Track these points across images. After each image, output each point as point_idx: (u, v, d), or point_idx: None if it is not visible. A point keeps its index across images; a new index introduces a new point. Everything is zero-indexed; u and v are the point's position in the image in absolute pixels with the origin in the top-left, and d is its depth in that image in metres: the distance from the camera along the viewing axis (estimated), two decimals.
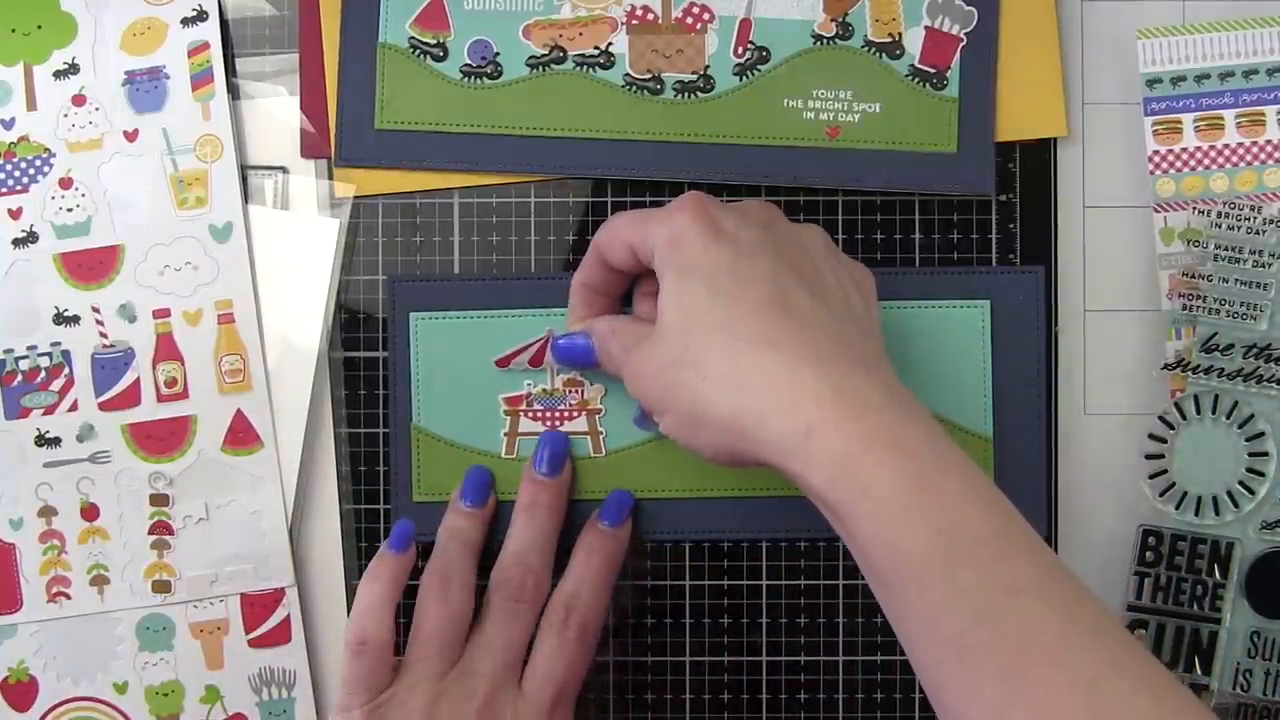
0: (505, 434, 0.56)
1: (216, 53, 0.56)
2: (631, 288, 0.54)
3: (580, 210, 0.57)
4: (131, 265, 0.56)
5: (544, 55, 0.57)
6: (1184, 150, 0.56)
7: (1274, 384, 0.55)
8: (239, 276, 0.56)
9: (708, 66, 0.57)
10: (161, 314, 0.56)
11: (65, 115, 0.56)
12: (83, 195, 0.56)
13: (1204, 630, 0.55)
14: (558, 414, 0.56)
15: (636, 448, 0.56)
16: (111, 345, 0.56)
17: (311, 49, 0.57)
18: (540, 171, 0.57)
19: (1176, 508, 0.55)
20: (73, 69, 0.56)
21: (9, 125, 0.56)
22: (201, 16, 0.56)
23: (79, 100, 0.56)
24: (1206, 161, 0.56)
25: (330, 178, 0.57)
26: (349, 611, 0.57)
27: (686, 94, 0.57)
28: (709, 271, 0.46)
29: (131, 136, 0.56)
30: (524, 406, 0.56)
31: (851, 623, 0.57)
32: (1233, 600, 0.55)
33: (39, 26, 0.55)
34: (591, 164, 0.57)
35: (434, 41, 0.57)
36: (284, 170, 0.57)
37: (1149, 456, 0.56)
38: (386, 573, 0.53)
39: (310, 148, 0.57)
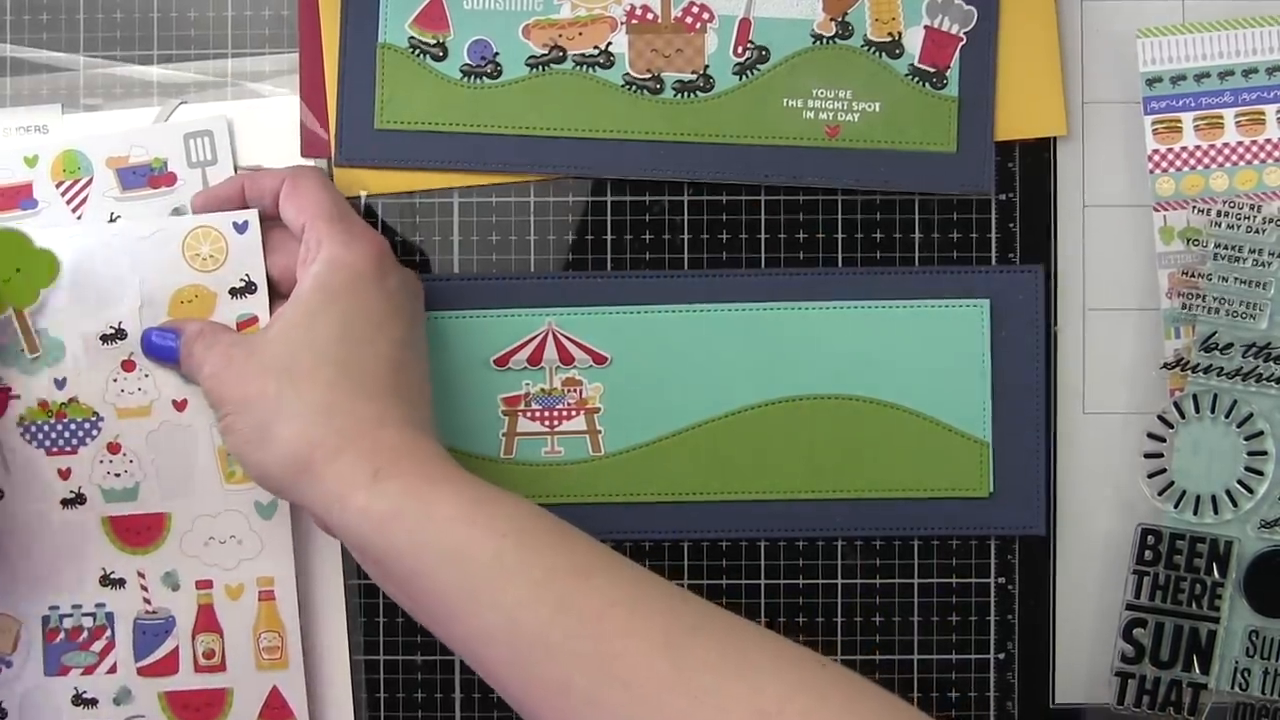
0: (503, 434, 0.57)
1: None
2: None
3: (580, 210, 0.57)
4: (178, 534, 0.55)
5: (544, 55, 0.57)
6: (1184, 149, 0.56)
7: (1273, 383, 0.55)
8: (282, 554, 0.55)
9: (707, 66, 0.57)
10: (204, 585, 0.56)
11: (115, 380, 0.55)
12: (130, 461, 0.55)
13: (1203, 629, 0.55)
14: (556, 413, 0.56)
15: (635, 449, 0.56)
16: (154, 611, 0.55)
17: (311, 49, 0.57)
18: (540, 171, 0.57)
19: (1175, 507, 0.55)
20: (119, 334, 0.55)
21: (61, 385, 0.55)
22: (250, 288, 0.55)
23: (129, 366, 0.55)
24: (1206, 160, 0.56)
25: (330, 178, 0.57)
26: (347, 618, 0.57)
27: (686, 94, 0.57)
28: (358, 315, 0.50)
29: (180, 406, 0.55)
30: (522, 406, 0.56)
31: (851, 622, 0.57)
32: (1231, 599, 0.55)
33: (17, 270, 0.53)
34: (591, 164, 0.57)
35: (434, 41, 0.57)
36: None
37: (1148, 455, 0.56)
38: None
39: (310, 148, 0.57)
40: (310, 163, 0.57)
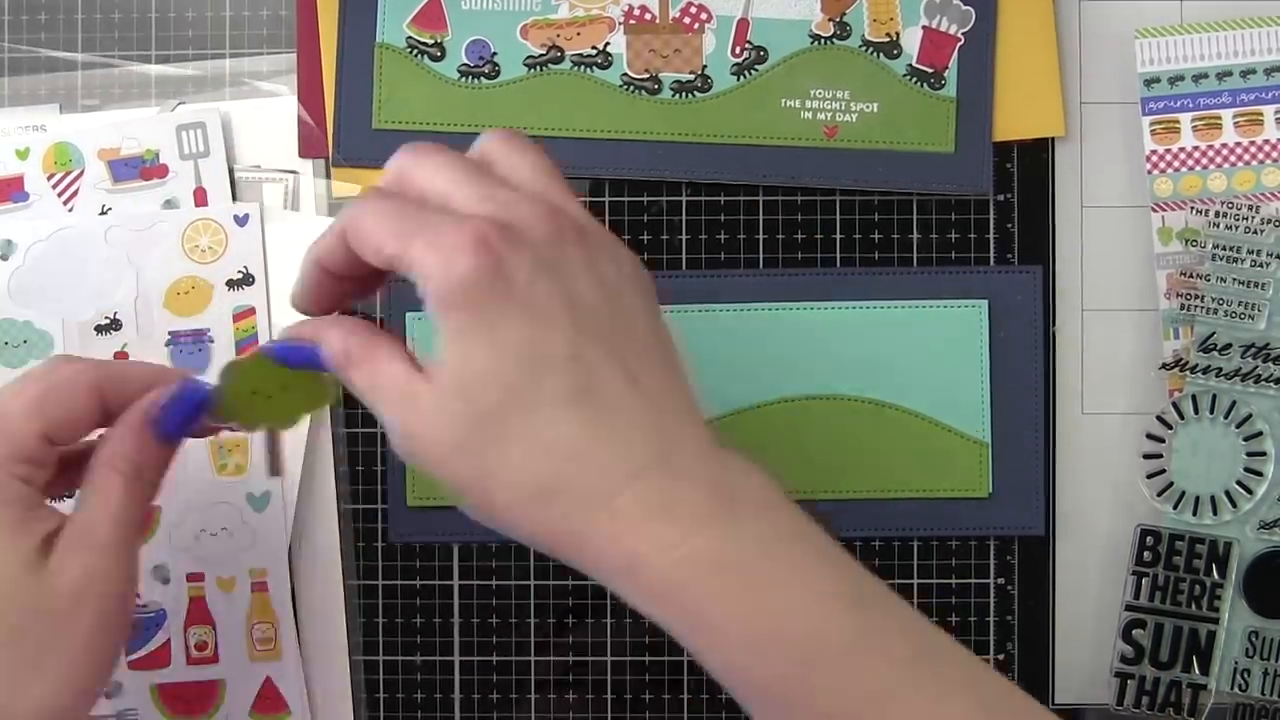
0: None
1: (263, 320, 0.55)
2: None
3: None
4: (168, 528, 0.55)
5: (542, 55, 0.57)
6: (1182, 150, 0.56)
7: (1272, 384, 0.55)
8: (274, 545, 0.55)
9: (705, 66, 0.57)
10: (195, 578, 0.55)
11: None
12: None
13: (1202, 630, 0.55)
14: None
15: None
16: (144, 605, 0.55)
17: (309, 49, 0.57)
18: None
19: (1174, 507, 0.55)
20: (114, 325, 0.55)
21: None
22: (248, 280, 0.54)
23: (121, 357, 0.54)
24: (1204, 161, 0.56)
25: (328, 177, 0.57)
26: (347, 617, 0.57)
27: (684, 94, 0.57)
28: (501, 354, 0.37)
29: None
30: None
31: None
32: (1231, 600, 0.55)
33: (283, 389, 0.44)
34: (589, 164, 0.57)
35: (432, 41, 0.57)
36: (294, 173, 0.57)
37: (1147, 456, 0.56)
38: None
39: (308, 147, 0.57)
40: (309, 164, 0.57)
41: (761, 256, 0.57)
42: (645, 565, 0.37)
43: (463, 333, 0.38)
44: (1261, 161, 0.56)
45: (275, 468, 0.49)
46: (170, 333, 0.55)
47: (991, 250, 0.57)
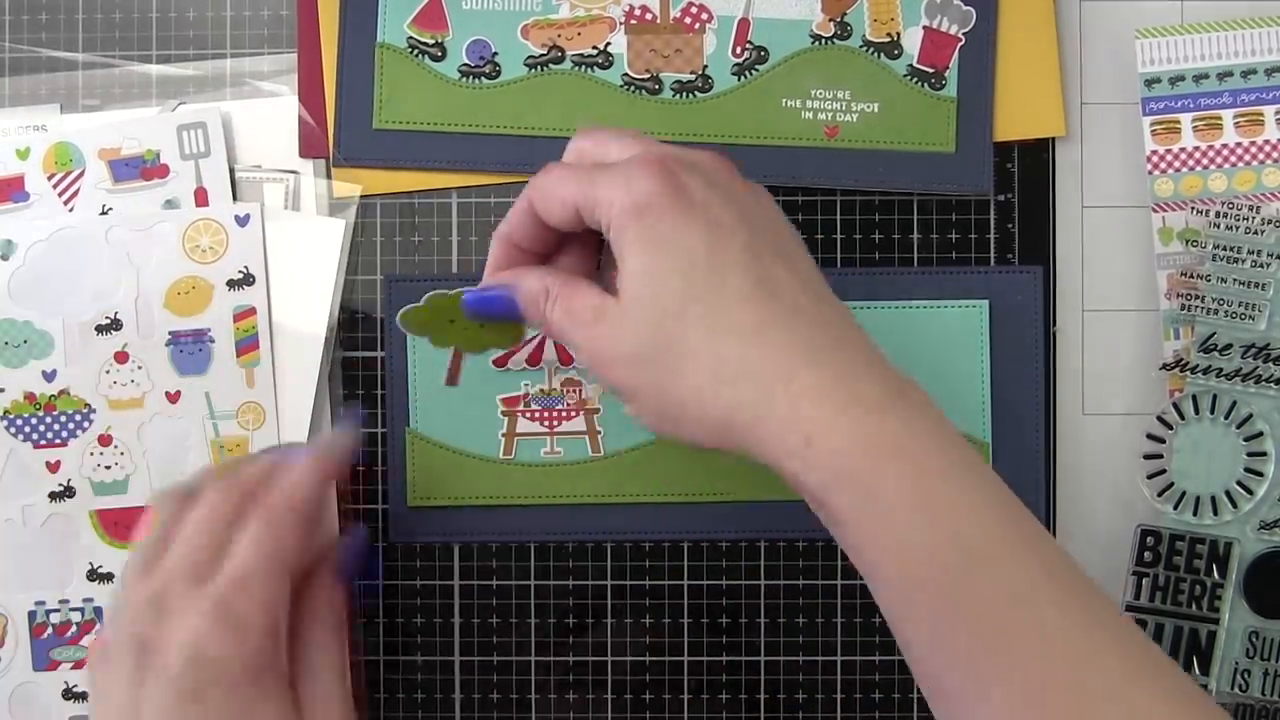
0: (503, 435, 0.56)
1: (263, 319, 0.55)
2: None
3: None
4: None
5: (542, 55, 0.57)
6: (1182, 150, 0.56)
7: (1272, 384, 0.55)
8: None
9: (706, 66, 0.57)
10: None
11: (107, 371, 0.55)
12: (121, 454, 0.55)
13: (1202, 630, 0.55)
14: (555, 414, 0.56)
15: (635, 449, 0.56)
16: None
17: (310, 49, 0.57)
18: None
19: (1175, 508, 0.55)
20: (115, 325, 0.55)
21: (50, 377, 0.55)
22: (248, 280, 0.55)
23: (121, 357, 0.55)
24: (1205, 161, 0.56)
25: (329, 177, 0.57)
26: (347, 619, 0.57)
27: (685, 94, 0.57)
28: (683, 254, 0.41)
29: (173, 398, 0.55)
30: (521, 407, 0.56)
31: (850, 623, 0.57)
32: (1231, 600, 0.55)
33: (451, 322, 0.51)
34: None
35: (432, 41, 0.57)
36: (295, 173, 0.57)
37: (1147, 456, 0.56)
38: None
39: (309, 147, 0.57)
40: (312, 164, 0.57)
41: None
42: (821, 443, 0.39)
43: (648, 240, 0.42)
44: (1262, 162, 0.56)
45: (452, 377, 0.50)
46: (170, 333, 0.56)
47: (992, 250, 0.57)
